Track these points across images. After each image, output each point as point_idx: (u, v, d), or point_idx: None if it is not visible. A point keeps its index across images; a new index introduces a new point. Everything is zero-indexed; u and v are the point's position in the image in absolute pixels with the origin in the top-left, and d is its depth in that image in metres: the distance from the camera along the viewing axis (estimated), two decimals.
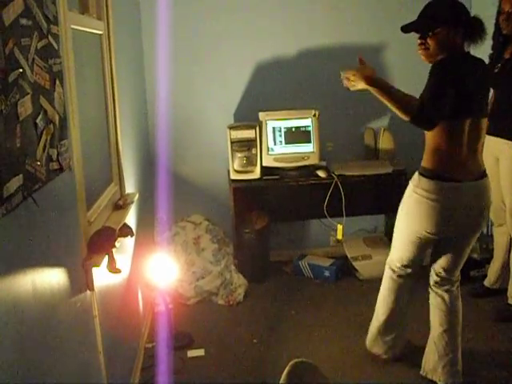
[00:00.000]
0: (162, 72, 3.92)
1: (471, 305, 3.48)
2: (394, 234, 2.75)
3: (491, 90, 3.39)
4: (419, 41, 2.45)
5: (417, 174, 2.53)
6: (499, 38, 3.12)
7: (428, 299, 2.80)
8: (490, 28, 3.81)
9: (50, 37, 1.59)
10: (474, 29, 2.45)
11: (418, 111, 2.29)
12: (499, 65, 3.11)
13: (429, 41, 2.41)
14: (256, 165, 3.83)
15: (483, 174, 2.51)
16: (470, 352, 2.98)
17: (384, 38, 4.09)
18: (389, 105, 2.35)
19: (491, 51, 3.23)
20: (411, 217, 2.57)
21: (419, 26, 2.45)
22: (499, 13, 3.06)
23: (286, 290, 3.85)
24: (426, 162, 2.48)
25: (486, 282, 3.56)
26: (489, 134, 3.24)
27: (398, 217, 2.68)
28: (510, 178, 3.11)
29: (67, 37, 1.81)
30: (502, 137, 3.13)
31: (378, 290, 3.08)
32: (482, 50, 3.59)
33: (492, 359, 2.93)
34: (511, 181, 3.11)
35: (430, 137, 2.44)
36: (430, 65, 2.43)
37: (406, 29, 2.48)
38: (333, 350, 3.08)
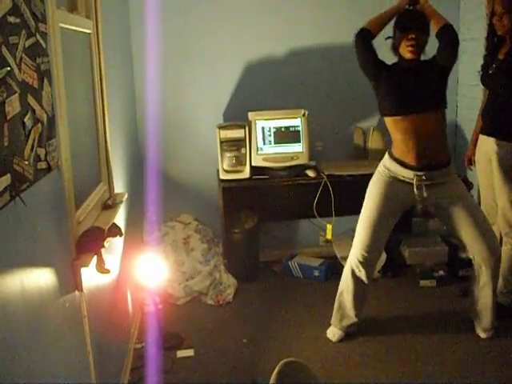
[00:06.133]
0: (152, 72, 3.91)
1: (460, 304, 3.50)
2: None
3: (484, 91, 3.42)
4: (413, 35, 2.70)
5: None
6: (493, 39, 3.14)
7: None
8: (476, 30, 3.87)
9: (37, 35, 1.58)
10: None
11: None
12: (493, 66, 3.12)
13: (422, 37, 2.73)
14: (245, 164, 3.83)
15: None
16: (460, 351, 3.01)
17: None
18: (430, 13, 2.77)
19: (485, 52, 3.25)
20: None
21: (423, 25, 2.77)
22: (493, 14, 3.08)
23: (276, 290, 3.85)
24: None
25: None
26: (482, 133, 3.27)
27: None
28: (502, 178, 3.12)
29: (55, 35, 1.80)
30: (495, 137, 3.14)
31: None
32: (477, 52, 3.62)
33: (482, 356, 2.94)
34: (504, 181, 3.12)
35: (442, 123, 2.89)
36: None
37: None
38: (323, 350, 3.08)
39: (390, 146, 2.97)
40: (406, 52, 2.74)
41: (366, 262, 3.01)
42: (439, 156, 2.87)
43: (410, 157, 2.83)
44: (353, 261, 3.06)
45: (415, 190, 2.87)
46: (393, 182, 2.92)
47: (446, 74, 2.82)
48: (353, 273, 3.06)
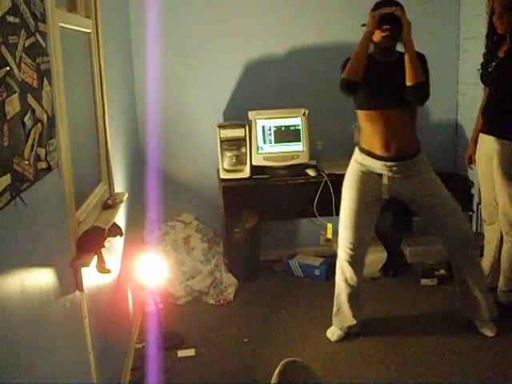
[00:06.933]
0: (152, 71, 3.90)
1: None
2: None
3: (485, 89, 3.41)
4: (388, 26, 2.74)
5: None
6: (493, 37, 3.13)
7: None
8: (476, 28, 3.86)
9: (37, 35, 1.58)
10: None
11: (426, 81, 2.76)
12: (493, 64, 3.12)
13: (396, 29, 2.74)
14: (246, 164, 3.82)
15: None
16: (461, 350, 3.00)
17: None
18: (411, 59, 2.73)
19: (485, 50, 3.24)
20: None
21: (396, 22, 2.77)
22: (493, 12, 3.07)
23: (277, 289, 3.84)
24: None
25: None
26: (482, 132, 3.26)
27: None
28: (503, 177, 3.12)
29: (55, 35, 1.80)
30: (495, 135, 3.14)
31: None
32: (477, 50, 3.62)
33: (483, 356, 2.94)
34: (504, 180, 3.12)
35: (412, 119, 2.92)
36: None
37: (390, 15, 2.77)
38: (324, 349, 3.08)
39: (360, 141, 3.03)
40: (380, 39, 2.79)
41: (353, 261, 3.03)
42: (406, 149, 2.92)
43: (378, 147, 2.90)
44: (340, 261, 3.09)
45: (386, 180, 2.93)
46: (363, 176, 2.97)
47: None
48: (343, 274, 3.08)
